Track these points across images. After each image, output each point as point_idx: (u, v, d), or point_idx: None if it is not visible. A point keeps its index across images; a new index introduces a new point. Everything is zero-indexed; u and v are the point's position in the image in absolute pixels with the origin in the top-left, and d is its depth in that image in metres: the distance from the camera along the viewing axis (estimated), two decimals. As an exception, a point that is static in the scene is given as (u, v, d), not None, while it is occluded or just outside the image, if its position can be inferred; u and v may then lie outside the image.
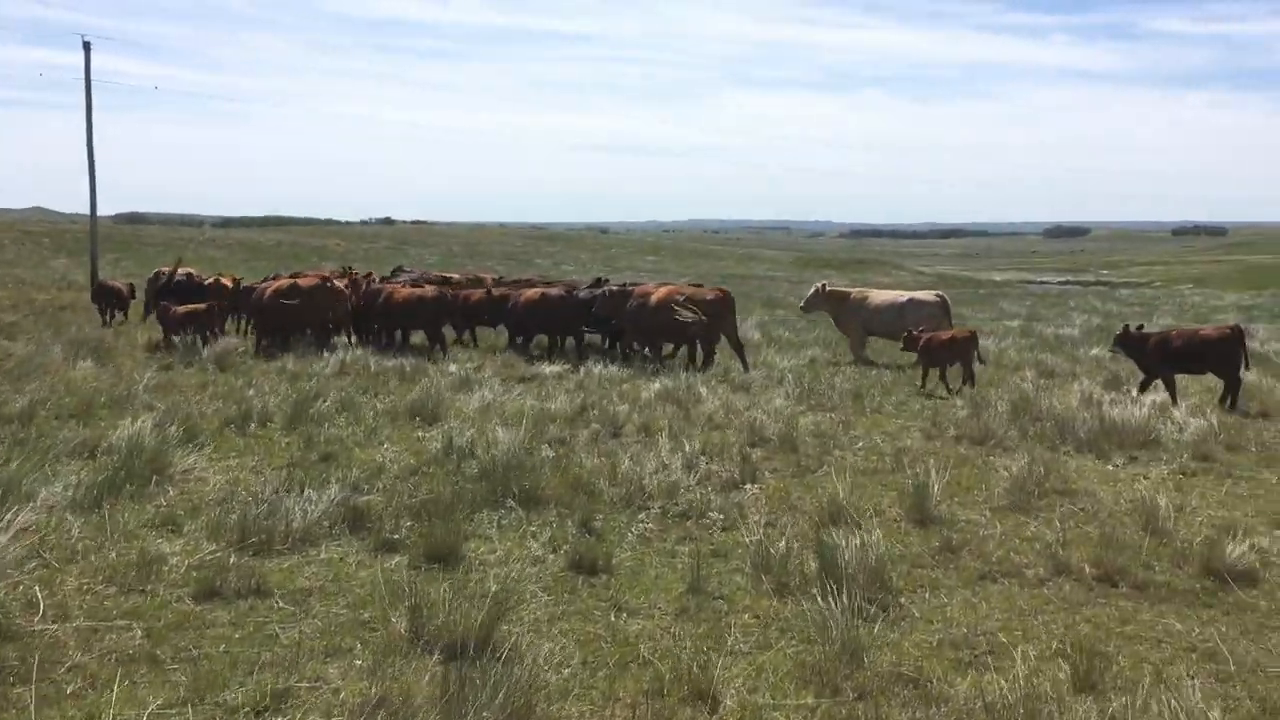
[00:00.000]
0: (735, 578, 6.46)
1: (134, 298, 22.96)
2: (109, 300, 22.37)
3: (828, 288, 18.45)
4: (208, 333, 17.20)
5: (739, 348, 16.11)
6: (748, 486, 8.67)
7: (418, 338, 18.93)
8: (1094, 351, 18.53)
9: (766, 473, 9.21)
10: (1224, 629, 5.76)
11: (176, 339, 16.91)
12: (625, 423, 11.09)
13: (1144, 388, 13.08)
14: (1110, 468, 9.57)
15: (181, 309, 17.53)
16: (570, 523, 7.40)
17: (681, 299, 15.87)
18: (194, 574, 6.18)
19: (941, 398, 13.37)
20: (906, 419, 11.93)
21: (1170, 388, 12.76)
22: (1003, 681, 4.72)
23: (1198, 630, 5.72)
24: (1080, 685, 4.91)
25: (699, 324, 15.62)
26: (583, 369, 15.26)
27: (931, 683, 4.94)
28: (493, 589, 5.74)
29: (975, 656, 5.32)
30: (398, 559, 6.68)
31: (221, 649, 5.19)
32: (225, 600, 5.86)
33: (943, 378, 14.11)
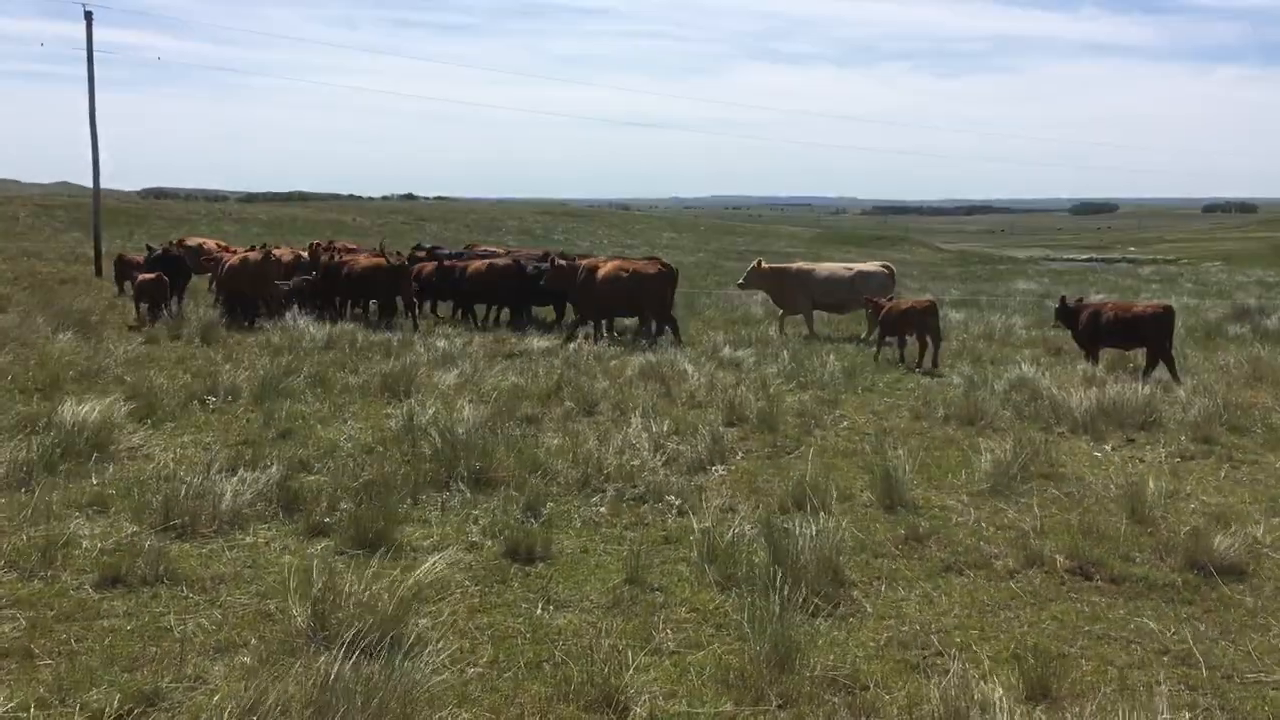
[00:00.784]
0: (680, 567, 6.04)
1: None
2: (127, 273, 22.37)
3: (764, 264, 18.07)
4: (159, 302, 17.32)
5: (671, 321, 16.15)
6: (715, 468, 8.23)
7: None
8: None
9: (740, 454, 8.77)
10: (1202, 628, 5.29)
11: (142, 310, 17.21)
12: (600, 400, 10.67)
13: (1094, 360, 12.94)
14: (1104, 450, 9.06)
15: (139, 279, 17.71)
16: (516, 506, 6.99)
17: (626, 273, 15.96)
18: (103, 559, 5.81)
19: (918, 374, 12.87)
20: (898, 398, 11.44)
21: (1091, 359, 12.83)
22: (943, 689, 4.26)
23: (1173, 630, 5.24)
24: (1032, 693, 4.46)
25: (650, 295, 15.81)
26: (572, 345, 14.87)
27: (868, 689, 4.50)
28: (414, 578, 5.35)
29: (924, 658, 4.87)
30: (325, 544, 6.30)
31: (106, 642, 4.82)
32: (128, 588, 5.49)
33: (901, 348, 13.94)
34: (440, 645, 4.72)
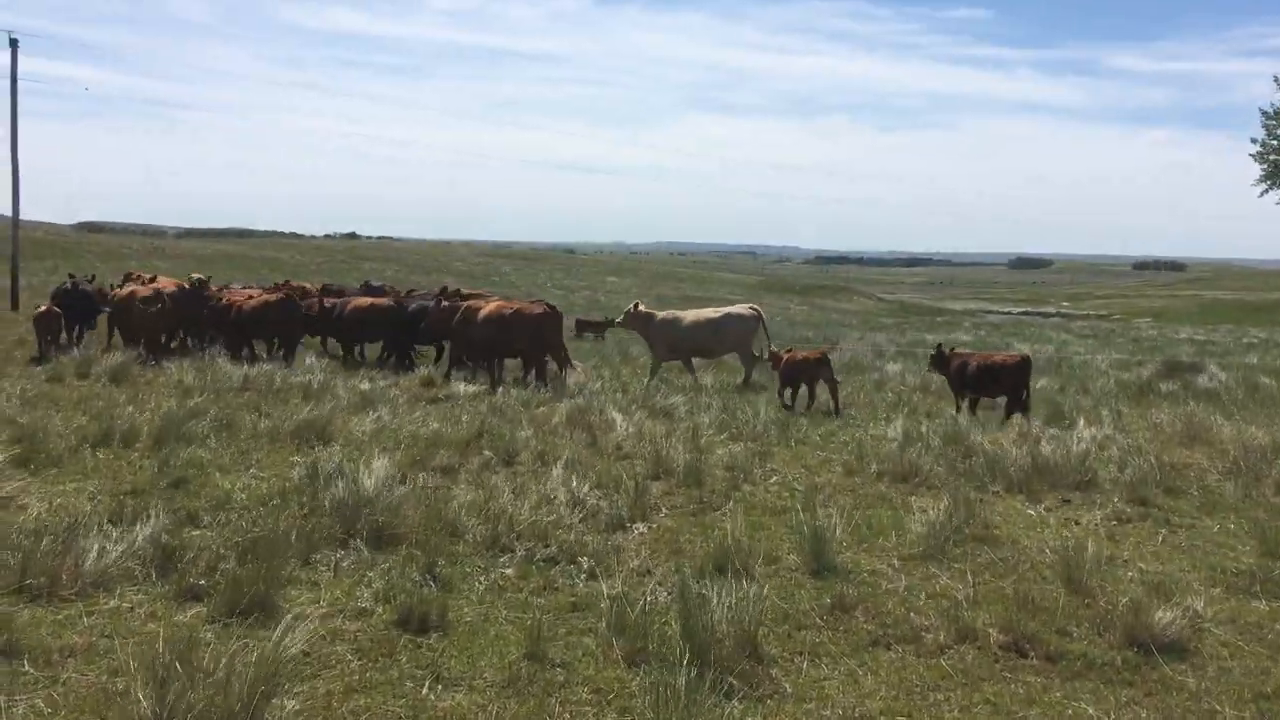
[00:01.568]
0: (586, 639, 5.53)
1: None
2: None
3: (640, 306, 18.06)
4: (47, 337, 17.09)
5: (562, 363, 16.27)
6: (636, 526, 7.75)
7: (372, 351, 18.92)
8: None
9: (664, 510, 8.31)
10: (1143, 713, 4.91)
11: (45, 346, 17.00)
12: (522, 450, 10.16)
13: (958, 408, 13.68)
14: (1039, 510, 8.74)
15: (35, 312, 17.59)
16: (415, 567, 6.45)
17: (510, 312, 15.94)
18: (-62, 628, 5.18)
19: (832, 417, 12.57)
20: (831, 451, 11.07)
21: (961, 405, 13.62)
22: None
23: (1113, 716, 4.85)
24: (962, 792, 4.04)
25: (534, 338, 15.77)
26: (499, 390, 14.37)
27: (780, 788, 4.05)
28: (288, 652, 4.80)
29: (845, 749, 4.44)
30: (197, 610, 5.71)
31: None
32: (-41, 663, 4.87)
33: (794, 396, 14.30)
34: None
